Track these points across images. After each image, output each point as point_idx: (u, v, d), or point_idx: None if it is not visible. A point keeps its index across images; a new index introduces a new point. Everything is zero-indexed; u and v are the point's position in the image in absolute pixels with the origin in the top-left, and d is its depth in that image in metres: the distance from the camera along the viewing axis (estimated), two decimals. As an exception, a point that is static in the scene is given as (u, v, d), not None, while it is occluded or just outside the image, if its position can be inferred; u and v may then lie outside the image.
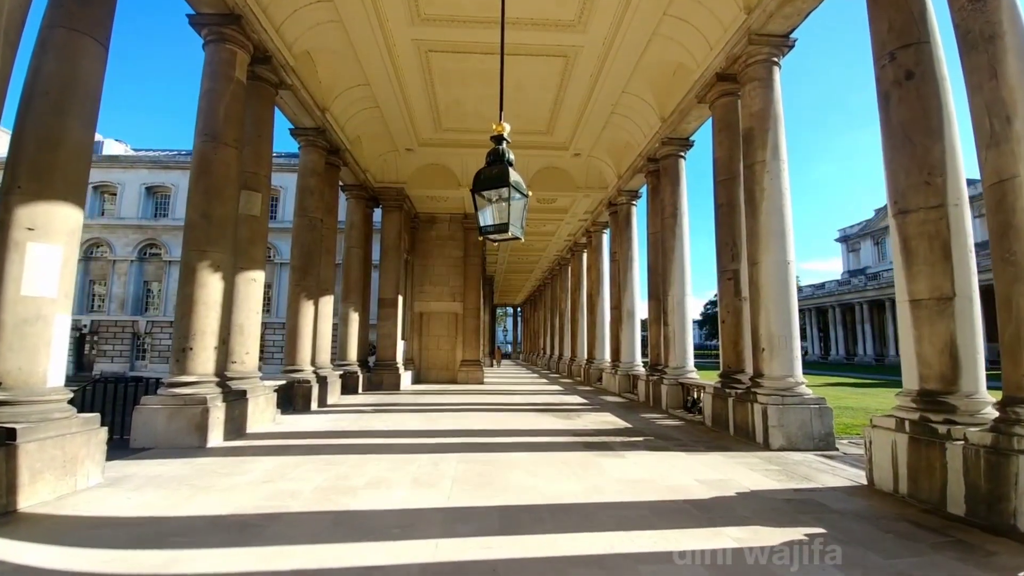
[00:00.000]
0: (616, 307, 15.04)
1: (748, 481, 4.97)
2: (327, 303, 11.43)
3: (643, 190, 14.55)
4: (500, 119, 4.81)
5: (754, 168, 7.39)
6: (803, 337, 67.85)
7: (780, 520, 3.86)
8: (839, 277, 55.27)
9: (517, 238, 4.69)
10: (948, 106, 5.25)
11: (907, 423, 4.87)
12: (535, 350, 39.77)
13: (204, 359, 6.56)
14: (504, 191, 4.54)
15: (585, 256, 20.42)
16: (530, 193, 4.78)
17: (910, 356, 5.03)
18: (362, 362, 14.17)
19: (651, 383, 11.23)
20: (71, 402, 4.97)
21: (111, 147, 39.14)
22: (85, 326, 35.41)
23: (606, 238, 18.29)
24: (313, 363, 10.56)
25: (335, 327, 14.69)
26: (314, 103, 10.20)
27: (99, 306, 36.11)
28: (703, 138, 11.48)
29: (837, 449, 6.76)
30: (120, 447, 6.39)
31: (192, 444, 6.21)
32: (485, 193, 4.62)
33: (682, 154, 11.18)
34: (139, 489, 4.62)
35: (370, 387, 14.10)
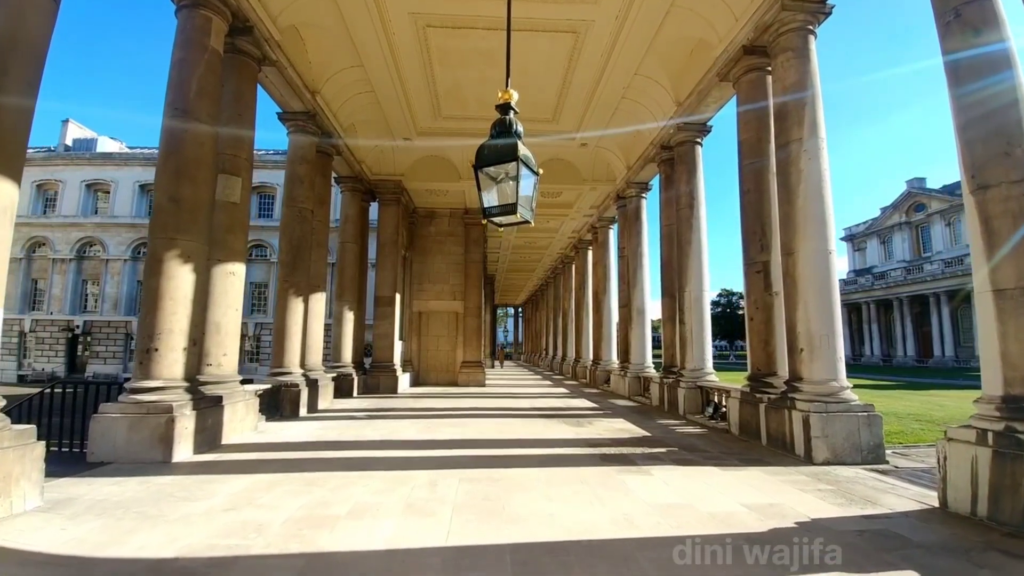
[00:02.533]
0: (625, 305, 14.26)
1: (804, 506, 4.20)
2: (318, 301, 10.66)
3: (654, 182, 13.81)
4: (507, 85, 4.11)
5: (789, 148, 6.62)
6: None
7: (863, 562, 3.10)
8: (844, 276, 54.45)
9: (526, 221, 4.00)
10: (1019, 69, 4.57)
11: (990, 435, 4.12)
12: (537, 351, 38.99)
13: (171, 361, 5.78)
14: (512, 167, 3.86)
15: (590, 253, 19.66)
16: (541, 171, 4.07)
17: (993, 356, 4.27)
18: (357, 364, 13.40)
19: (666, 386, 10.45)
20: (8, 412, 4.26)
21: (105, 144, 38.39)
22: (78, 327, 34.63)
23: (613, 234, 17.53)
24: (303, 365, 9.79)
25: (328, 327, 13.96)
26: (303, 84, 9.43)
27: (93, 306, 35.31)
28: (719, 123, 10.71)
29: (887, 462, 6.02)
30: (79, 460, 5.65)
31: (155, 459, 5.45)
32: (489, 170, 3.96)
33: (699, 140, 10.42)
34: (78, 517, 3.88)
35: (366, 390, 13.33)
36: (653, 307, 14.58)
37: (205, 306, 6.58)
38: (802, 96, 6.65)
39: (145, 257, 6.08)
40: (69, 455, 6.22)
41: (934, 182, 47.13)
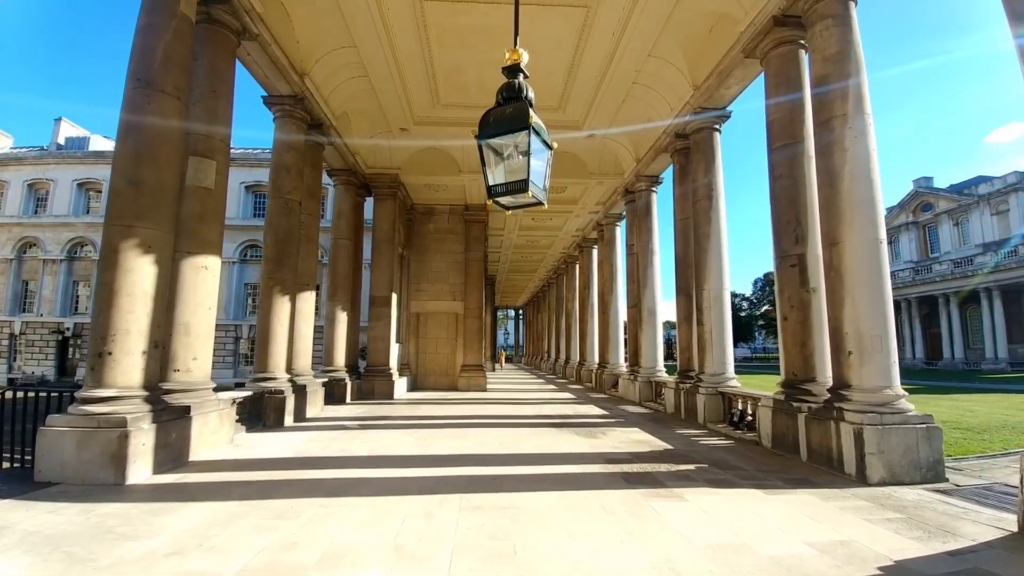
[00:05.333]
0: (634, 305, 13.50)
1: (880, 544, 3.44)
2: (307, 300, 9.88)
3: (665, 175, 13.10)
4: (515, 44, 3.47)
5: (831, 125, 5.87)
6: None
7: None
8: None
9: (539, 203, 3.34)
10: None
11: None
12: (538, 353, 38.20)
13: (127, 366, 5.02)
14: (522, 138, 3.30)
15: (596, 251, 18.91)
16: (555, 145, 3.40)
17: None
18: (351, 368, 12.63)
19: (682, 392, 9.68)
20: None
21: (98, 143, 37.66)
22: (68, 329, 33.83)
23: (620, 231, 16.83)
24: (289, 369, 9.01)
25: (319, 329, 13.20)
26: (290, 65, 8.68)
27: (84, 308, 34.50)
28: (737, 107, 9.93)
29: (947, 479, 5.27)
30: (30, 478, 4.89)
31: (107, 480, 4.69)
32: (496, 142, 3.26)
33: (717, 127, 9.69)
34: (7, 552, 3.29)
35: (360, 395, 12.56)
36: (664, 307, 13.83)
37: (172, 304, 5.82)
38: (845, 68, 5.91)
39: (101, 248, 5.31)
40: (21, 470, 5.47)
41: (939, 182, 46.46)
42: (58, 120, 37.78)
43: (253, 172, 33.07)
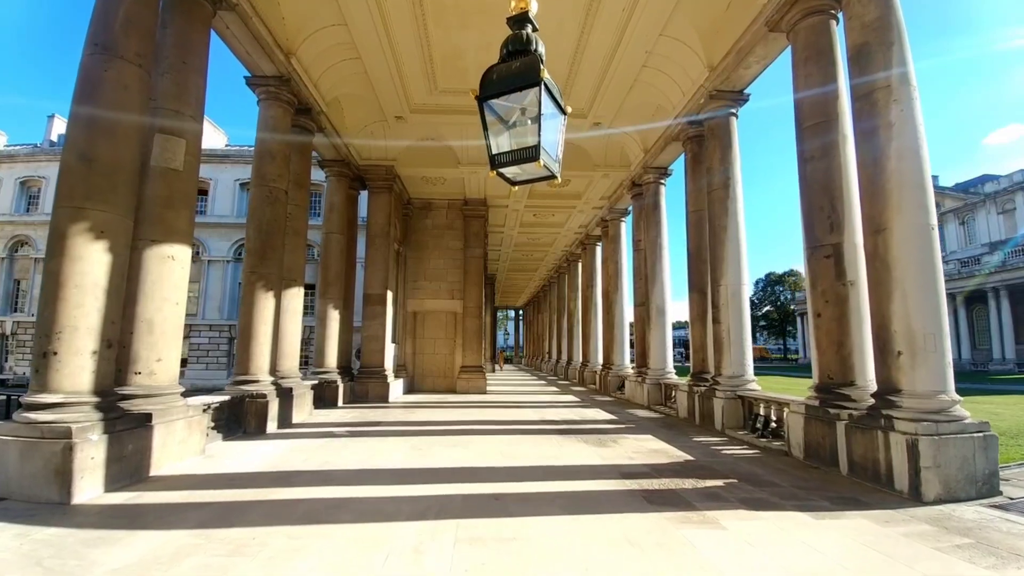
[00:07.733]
0: (642, 304, 12.86)
1: (972, 588, 2.81)
2: (293, 297, 9.23)
3: (674, 167, 12.48)
4: None
5: (874, 98, 5.24)
6: (792, 339, 64.47)
7: None
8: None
9: (552, 176, 2.84)
10: None
11: None
12: (539, 354, 37.53)
13: (75, 368, 4.37)
14: (531, 98, 2.62)
15: (600, 248, 18.28)
16: (570, 109, 2.82)
17: None
18: (343, 369, 11.98)
19: (697, 395, 9.04)
20: None
21: (91, 140, 37.02)
22: (60, 329, 33.18)
23: (625, 227, 16.19)
24: (274, 371, 8.34)
25: (310, 329, 12.56)
26: (274, 42, 8.04)
27: (77, 308, 33.82)
28: (754, 92, 9.30)
29: (1002, 493, 4.67)
30: None
31: (52, 497, 4.08)
32: (499, 102, 2.72)
33: (734, 111, 9.06)
34: None
35: (353, 398, 11.91)
36: (674, 307, 13.18)
37: (134, 298, 5.18)
38: (888, 35, 5.28)
39: (48, 232, 4.67)
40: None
41: (943, 181, 45.86)
42: (51, 117, 37.17)
43: (248, 169, 32.42)
